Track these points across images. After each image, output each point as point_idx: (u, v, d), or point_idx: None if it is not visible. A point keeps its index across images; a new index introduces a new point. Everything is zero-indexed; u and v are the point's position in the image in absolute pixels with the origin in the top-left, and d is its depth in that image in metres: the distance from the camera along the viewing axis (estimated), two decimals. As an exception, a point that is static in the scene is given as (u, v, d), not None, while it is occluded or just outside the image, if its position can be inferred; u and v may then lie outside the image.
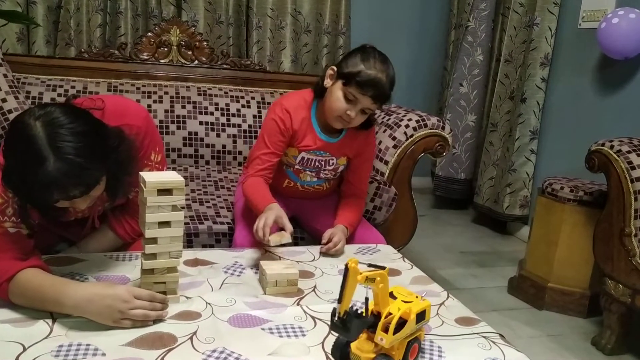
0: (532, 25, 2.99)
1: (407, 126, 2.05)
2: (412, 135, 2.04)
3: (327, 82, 1.63)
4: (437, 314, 1.23)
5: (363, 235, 1.73)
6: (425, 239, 2.98)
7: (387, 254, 1.59)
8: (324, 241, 1.56)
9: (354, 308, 0.97)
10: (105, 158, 1.13)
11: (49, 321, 1.07)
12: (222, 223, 1.83)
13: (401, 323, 0.97)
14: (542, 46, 2.97)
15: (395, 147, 2.03)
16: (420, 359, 1.04)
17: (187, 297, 1.21)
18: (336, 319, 0.94)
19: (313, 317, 1.17)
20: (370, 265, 0.99)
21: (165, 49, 2.48)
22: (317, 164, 1.73)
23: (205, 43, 2.56)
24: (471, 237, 3.23)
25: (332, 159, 1.74)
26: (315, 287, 1.32)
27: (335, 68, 1.62)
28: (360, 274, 0.93)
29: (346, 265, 0.92)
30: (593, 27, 2.70)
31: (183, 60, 2.51)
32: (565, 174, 2.59)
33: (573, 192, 2.26)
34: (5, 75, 2.02)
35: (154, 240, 1.14)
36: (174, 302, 1.18)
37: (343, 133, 1.71)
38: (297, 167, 1.74)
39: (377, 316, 0.98)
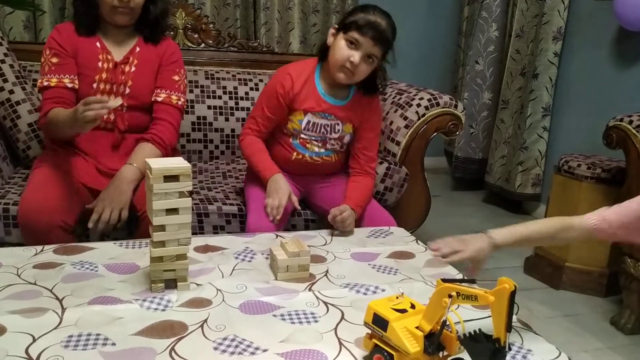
0: (544, -2, 2.91)
1: (418, 105, 2.01)
2: (424, 115, 1.99)
3: (330, 40, 1.68)
4: (453, 297, 1.20)
5: (372, 215, 1.72)
6: (439, 219, 2.94)
7: (400, 237, 1.56)
8: (331, 216, 1.56)
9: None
10: None
11: (59, 311, 1.06)
12: (231, 204, 1.81)
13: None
14: (555, 20, 2.89)
15: (406, 127, 1.99)
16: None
17: (197, 284, 1.20)
18: (506, 350, 0.86)
19: (325, 303, 1.15)
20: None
21: (172, 33, 2.44)
22: (322, 129, 1.74)
23: (211, 25, 2.52)
24: (485, 216, 3.18)
25: (338, 124, 1.75)
26: (327, 271, 1.30)
27: (336, 26, 1.69)
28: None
29: (512, 292, 0.83)
30: (610, -2, 2.62)
31: (189, 44, 2.47)
32: (579, 150, 2.53)
33: (590, 170, 2.21)
34: (11, 66, 2.00)
35: (161, 228, 1.12)
36: (184, 290, 1.17)
37: (349, 97, 1.74)
38: (302, 135, 1.74)
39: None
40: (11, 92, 1.96)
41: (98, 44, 1.72)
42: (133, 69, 1.74)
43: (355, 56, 1.60)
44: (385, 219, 1.71)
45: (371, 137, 1.79)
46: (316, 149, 1.76)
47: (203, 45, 2.49)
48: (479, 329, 0.89)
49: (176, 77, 1.79)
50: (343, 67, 1.63)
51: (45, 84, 1.65)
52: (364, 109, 1.76)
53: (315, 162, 1.78)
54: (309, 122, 1.73)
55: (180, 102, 1.79)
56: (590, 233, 1.10)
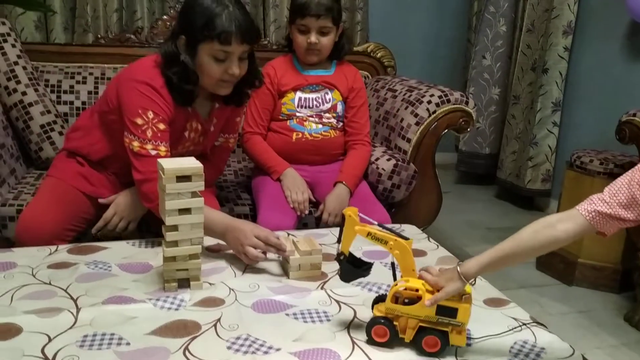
0: (554, -8, 2.89)
1: (429, 102, 2.00)
2: (434, 112, 1.98)
3: (291, 35, 1.86)
4: (465, 295, 1.20)
5: (365, 209, 1.73)
6: (450, 215, 2.93)
7: (411, 234, 1.55)
8: (318, 213, 1.75)
9: (361, 258, 1.07)
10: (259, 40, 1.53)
11: (74, 311, 1.07)
12: (243, 205, 1.82)
13: (414, 301, 0.98)
14: (565, 14, 2.87)
15: (417, 124, 1.98)
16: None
17: (210, 284, 1.20)
18: (335, 257, 1.05)
19: (337, 301, 1.15)
20: (384, 227, 1.02)
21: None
22: (315, 102, 1.88)
23: (221, 24, 2.52)
24: (496, 212, 3.17)
25: (327, 93, 1.89)
26: (339, 270, 1.30)
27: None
28: (363, 226, 1.00)
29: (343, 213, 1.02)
30: (621, -8, 2.59)
31: (200, 43, 2.47)
32: (590, 146, 2.51)
33: (603, 165, 2.20)
34: (24, 68, 2.02)
35: (174, 228, 1.13)
36: (197, 289, 1.17)
37: (332, 69, 1.92)
38: (298, 114, 1.86)
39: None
40: (24, 93, 1.97)
41: (189, 109, 1.54)
42: (213, 129, 1.63)
43: (311, 37, 1.78)
44: (379, 216, 1.70)
45: (359, 106, 1.92)
46: (313, 125, 1.87)
47: (213, 44, 2.49)
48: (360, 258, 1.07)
49: (238, 119, 1.72)
50: (307, 50, 1.81)
51: (154, 153, 1.41)
52: (348, 79, 1.92)
53: (315, 140, 1.87)
54: (300, 98, 1.87)
55: (233, 143, 1.75)
56: (588, 222, 0.95)
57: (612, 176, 2.16)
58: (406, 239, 0.99)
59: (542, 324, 1.10)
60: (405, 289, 0.98)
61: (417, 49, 3.72)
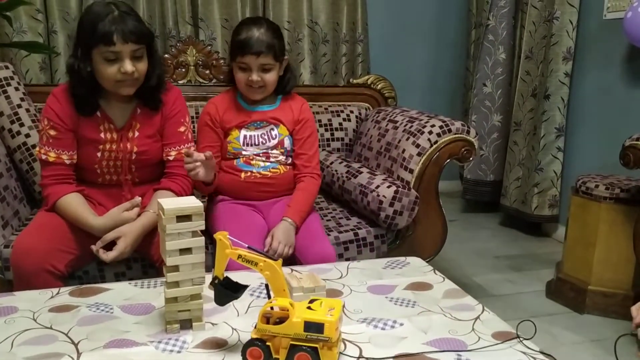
0: (551, 19, 2.91)
1: (430, 132, 2.00)
2: (436, 142, 1.98)
3: (233, 72, 1.83)
4: (473, 329, 1.17)
5: (309, 245, 1.71)
6: (457, 244, 2.91)
7: (416, 267, 1.54)
8: (266, 248, 1.66)
9: (242, 283, 1.10)
10: (152, 39, 1.61)
11: (74, 356, 1.05)
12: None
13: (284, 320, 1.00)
14: (564, 40, 2.89)
15: (419, 154, 1.98)
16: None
17: (212, 324, 1.18)
18: (210, 282, 1.08)
19: (343, 340, 1.13)
20: (251, 248, 1.05)
21: (183, 70, 2.48)
22: (260, 139, 1.84)
23: (222, 61, 2.55)
24: (503, 240, 3.14)
25: (273, 129, 1.85)
26: (343, 306, 1.28)
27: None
28: (234, 250, 1.04)
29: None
30: (619, 17, 2.62)
31: (201, 80, 2.50)
32: (596, 170, 2.50)
33: (609, 190, 2.18)
34: (27, 110, 2.04)
35: (175, 268, 1.12)
36: (199, 330, 1.16)
37: (277, 103, 1.88)
38: (244, 152, 1.83)
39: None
40: (27, 135, 1.99)
41: (99, 113, 1.65)
42: (137, 134, 1.68)
43: (253, 76, 1.75)
44: (324, 251, 1.67)
45: (306, 137, 1.88)
46: (261, 164, 1.84)
47: (214, 80, 2.52)
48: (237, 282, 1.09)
49: (182, 128, 1.74)
50: (250, 88, 1.78)
51: (44, 157, 1.62)
52: (294, 111, 1.88)
53: (265, 177, 1.84)
54: (245, 136, 1.83)
55: None
56: None
57: (619, 201, 2.15)
58: (275, 260, 1.03)
59: (552, 357, 1.07)
60: (276, 309, 1.01)
61: (417, 79, 3.75)
